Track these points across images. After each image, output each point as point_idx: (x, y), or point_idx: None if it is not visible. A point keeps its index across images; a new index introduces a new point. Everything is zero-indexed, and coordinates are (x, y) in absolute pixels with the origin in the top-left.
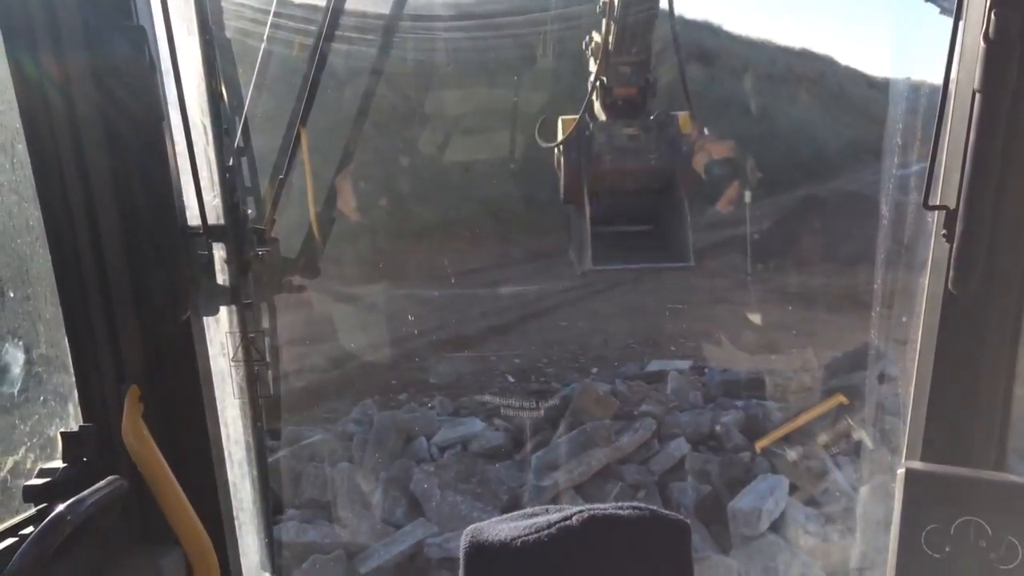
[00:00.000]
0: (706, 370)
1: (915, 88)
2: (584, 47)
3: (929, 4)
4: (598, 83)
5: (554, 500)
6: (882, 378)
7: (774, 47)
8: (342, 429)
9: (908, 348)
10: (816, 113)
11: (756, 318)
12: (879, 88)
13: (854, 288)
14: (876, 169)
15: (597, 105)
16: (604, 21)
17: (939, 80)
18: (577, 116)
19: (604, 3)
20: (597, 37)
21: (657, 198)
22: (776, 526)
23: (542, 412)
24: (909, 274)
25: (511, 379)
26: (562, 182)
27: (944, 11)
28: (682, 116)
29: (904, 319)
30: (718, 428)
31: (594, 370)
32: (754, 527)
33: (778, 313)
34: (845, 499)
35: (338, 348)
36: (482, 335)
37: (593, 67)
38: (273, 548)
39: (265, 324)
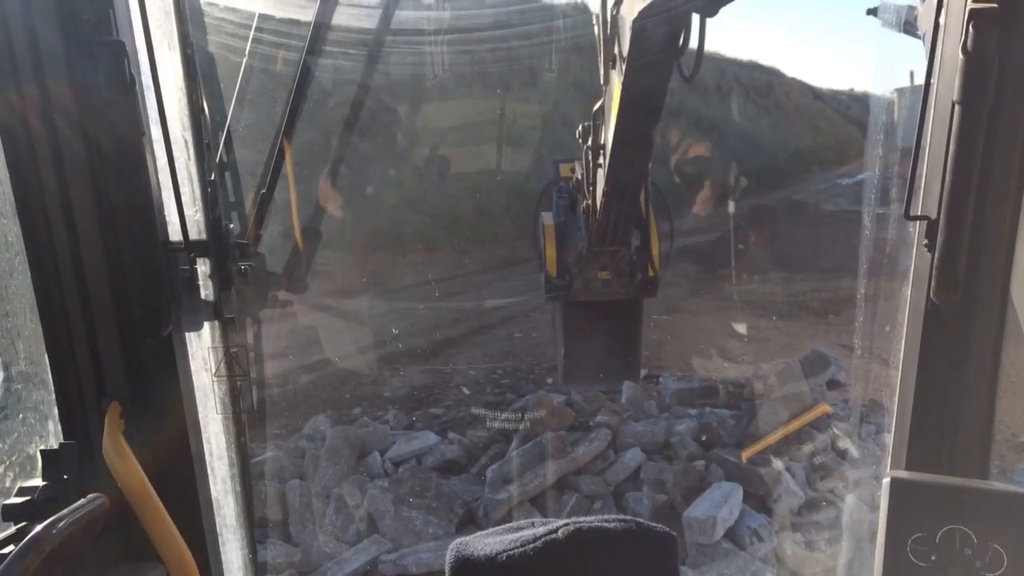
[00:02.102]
0: (660, 379)
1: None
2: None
3: (871, 17)
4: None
5: (510, 514)
6: (831, 384)
7: (722, 59)
8: (294, 445)
9: (860, 355)
10: (764, 123)
11: (709, 326)
12: (824, 99)
13: (802, 295)
14: (821, 178)
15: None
16: (586, 217)
17: (886, 90)
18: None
19: (586, 205)
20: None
21: (619, 323)
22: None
23: (497, 424)
24: (863, 280)
25: (466, 391)
26: (544, 288)
27: (885, 23)
28: (652, 262)
29: (874, 325)
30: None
31: (549, 381)
32: (709, 535)
33: (730, 321)
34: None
35: (290, 362)
36: (437, 347)
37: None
38: (256, 564)
39: (250, 339)
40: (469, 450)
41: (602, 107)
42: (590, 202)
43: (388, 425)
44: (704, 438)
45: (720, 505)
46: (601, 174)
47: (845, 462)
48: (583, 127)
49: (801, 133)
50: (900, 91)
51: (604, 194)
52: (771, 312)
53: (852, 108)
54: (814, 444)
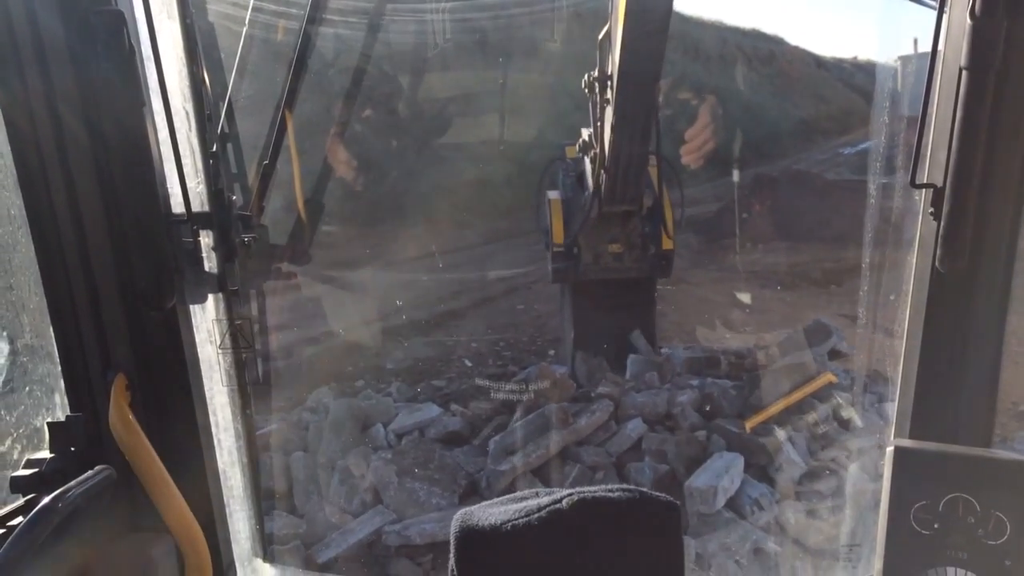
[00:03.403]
0: (663, 349)
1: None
2: (577, 149)
3: None
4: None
5: (512, 484)
6: (833, 354)
7: (724, 28)
8: (297, 418)
9: (862, 324)
10: (766, 92)
11: (711, 297)
12: (827, 67)
13: (804, 265)
14: (823, 148)
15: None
16: (591, 165)
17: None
18: (565, 181)
19: (594, 154)
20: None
21: (632, 300)
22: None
23: (499, 396)
24: (864, 250)
25: (468, 363)
26: (551, 271)
27: None
28: (666, 238)
29: (874, 295)
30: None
31: (551, 352)
32: (710, 505)
33: (731, 291)
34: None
35: (291, 334)
36: (439, 319)
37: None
38: (264, 535)
39: (254, 311)
40: (472, 422)
41: (608, 33)
42: (598, 151)
43: (391, 397)
44: (706, 408)
45: (721, 475)
46: (609, 112)
47: (845, 431)
48: (588, 76)
49: (803, 102)
50: (904, 59)
51: (612, 129)
52: (773, 282)
53: (856, 77)
54: (816, 414)
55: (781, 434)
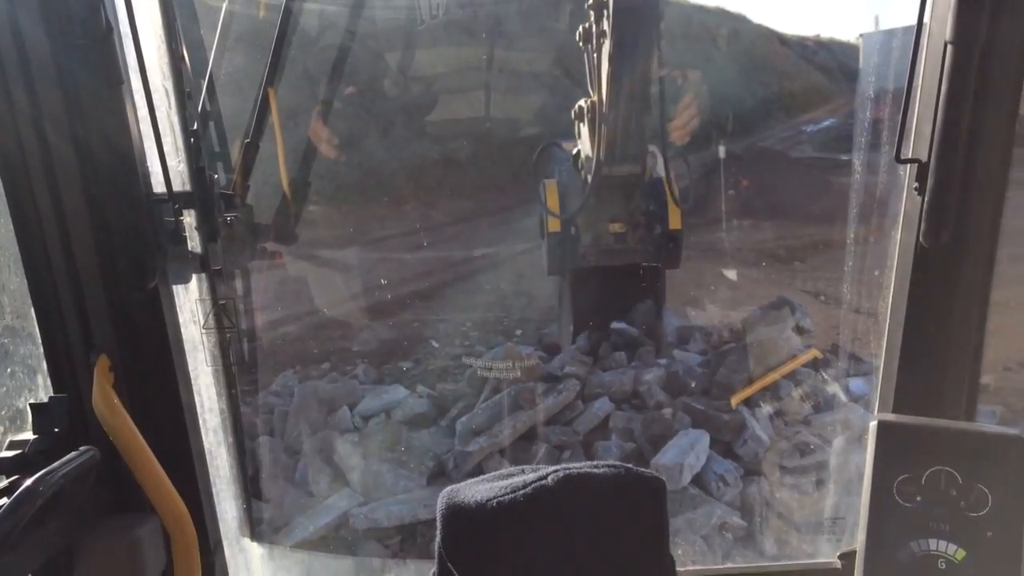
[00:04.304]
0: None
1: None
2: (573, 116)
3: None
4: (590, 169)
5: (480, 465)
6: (796, 330)
7: (688, 6)
8: (262, 401)
9: (821, 301)
10: (730, 70)
11: (675, 274)
12: (790, 45)
13: (768, 242)
14: (786, 125)
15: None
16: (589, 128)
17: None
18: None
19: (591, 103)
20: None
21: (638, 293)
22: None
23: (466, 376)
24: (824, 228)
25: (435, 344)
26: (546, 260)
27: None
28: (672, 212)
29: (837, 272)
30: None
31: (518, 332)
32: (676, 481)
33: (696, 269)
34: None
35: (257, 317)
36: (405, 300)
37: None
38: (251, 514)
39: (238, 291)
40: (438, 403)
41: None
42: (596, 99)
43: (357, 380)
44: (671, 386)
45: (687, 452)
46: (607, 46)
47: (809, 405)
48: (583, 27)
49: (767, 80)
50: (866, 36)
51: (611, 61)
52: (737, 260)
53: (818, 54)
54: (780, 389)
55: (745, 410)
